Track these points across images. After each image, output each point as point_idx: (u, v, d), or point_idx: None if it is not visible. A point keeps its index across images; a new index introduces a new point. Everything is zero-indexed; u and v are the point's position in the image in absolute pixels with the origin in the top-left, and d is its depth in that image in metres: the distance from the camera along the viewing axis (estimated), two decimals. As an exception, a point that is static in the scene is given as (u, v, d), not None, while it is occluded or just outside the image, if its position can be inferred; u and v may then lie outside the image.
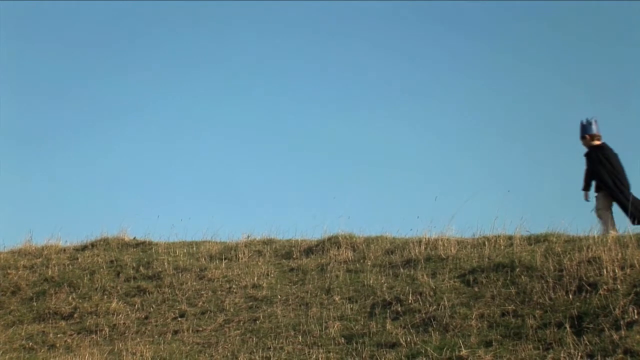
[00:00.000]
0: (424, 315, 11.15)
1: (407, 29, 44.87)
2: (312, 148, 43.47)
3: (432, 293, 11.68)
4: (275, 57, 44.80)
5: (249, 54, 45.09)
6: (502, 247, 12.99)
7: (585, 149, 14.09)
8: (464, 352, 9.81)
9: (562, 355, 9.25)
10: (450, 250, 13.12)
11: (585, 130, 13.93)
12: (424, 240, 13.75)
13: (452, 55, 44.53)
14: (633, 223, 13.15)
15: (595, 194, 13.83)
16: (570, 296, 10.59)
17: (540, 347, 9.67)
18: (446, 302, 11.24)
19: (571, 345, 9.43)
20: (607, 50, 42.28)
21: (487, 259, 12.39)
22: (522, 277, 11.42)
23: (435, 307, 11.25)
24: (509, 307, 10.72)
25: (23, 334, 13.40)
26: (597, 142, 13.93)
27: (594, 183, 13.85)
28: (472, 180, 36.22)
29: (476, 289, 11.53)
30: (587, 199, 13.84)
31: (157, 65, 45.02)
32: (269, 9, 44.34)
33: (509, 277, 11.54)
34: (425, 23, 45.06)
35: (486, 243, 13.20)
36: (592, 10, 42.26)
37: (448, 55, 44.60)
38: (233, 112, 45.01)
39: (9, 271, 16.19)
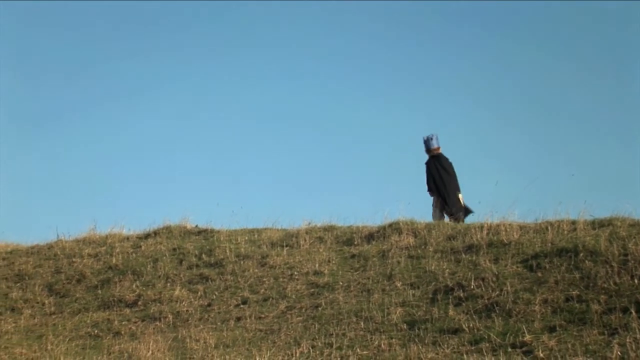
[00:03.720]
0: (486, 300, 11.07)
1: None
2: (373, 136, 43.49)
3: (494, 278, 11.59)
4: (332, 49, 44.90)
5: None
6: (566, 231, 12.84)
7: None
8: (527, 337, 9.74)
9: (627, 340, 9.13)
10: (513, 235, 13.00)
11: (428, 145, 16.83)
12: (485, 225, 13.63)
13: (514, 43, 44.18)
14: (452, 220, 15.66)
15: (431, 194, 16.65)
16: (636, 281, 10.45)
17: (606, 332, 9.56)
18: (509, 288, 11.15)
19: (637, 330, 9.31)
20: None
21: (550, 244, 12.26)
22: (586, 261, 11.29)
23: (498, 292, 11.16)
24: (573, 292, 10.61)
25: (88, 321, 13.56)
26: (435, 153, 16.83)
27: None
28: (534, 164, 35.91)
29: (539, 274, 11.42)
30: (431, 195, 16.63)
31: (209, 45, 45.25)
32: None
33: (572, 262, 11.42)
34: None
35: (549, 228, 13.06)
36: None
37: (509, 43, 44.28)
38: (292, 101, 45.17)
39: (74, 259, 16.40)
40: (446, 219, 16.33)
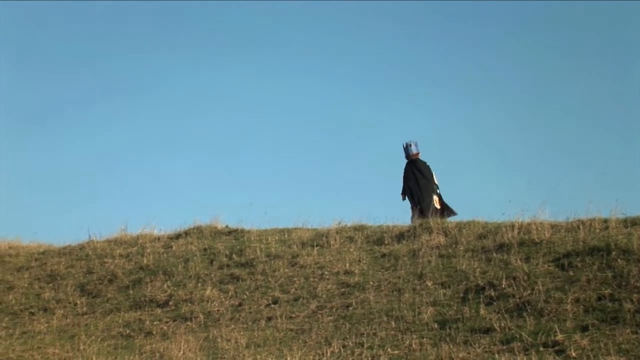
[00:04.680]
0: (518, 300, 11.03)
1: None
2: (401, 135, 43.42)
3: (526, 277, 11.54)
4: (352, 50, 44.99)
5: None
6: (597, 230, 12.76)
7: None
8: (559, 336, 9.69)
9: (661, 339, 9.08)
10: (544, 234, 12.94)
11: (408, 152, 17.46)
12: (516, 224, 13.57)
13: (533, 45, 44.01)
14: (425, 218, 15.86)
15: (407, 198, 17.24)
16: (669, 279, 10.38)
17: (638, 331, 9.51)
18: (540, 287, 11.10)
19: (670, 329, 9.25)
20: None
21: (582, 243, 12.20)
22: (619, 260, 11.22)
23: (529, 291, 11.11)
24: (605, 291, 10.55)
25: (120, 321, 13.62)
26: (414, 158, 17.45)
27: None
28: (565, 163, 35.76)
29: (571, 273, 11.36)
30: (403, 199, 17.27)
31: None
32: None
33: (604, 261, 11.35)
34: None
35: (581, 226, 12.98)
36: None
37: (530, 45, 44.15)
38: (320, 102, 45.26)
39: (105, 260, 16.49)
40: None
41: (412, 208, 17.05)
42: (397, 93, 45.96)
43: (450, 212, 16.86)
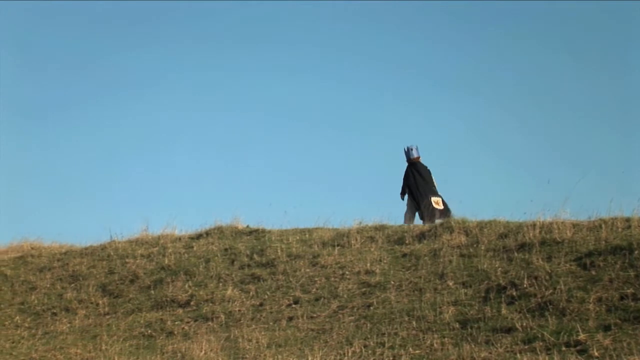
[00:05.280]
0: (539, 299, 10.99)
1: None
2: (424, 134, 43.47)
3: (547, 277, 11.50)
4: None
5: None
6: (620, 229, 12.69)
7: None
8: (581, 336, 9.65)
9: (684, 339, 9.03)
10: (566, 233, 12.88)
11: (409, 155, 18.18)
12: (538, 223, 13.52)
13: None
14: (423, 221, 16.84)
15: (406, 198, 17.88)
16: (692, 278, 10.32)
17: (662, 331, 9.46)
18: (562, 286, 11.05)
19: (694, 328, 9.20)
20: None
21: (604, 242, 12.14)
22: (641, 259, 11.18)
23: (551, 291, 11.07)
24: (628, 291, 10.50)
25: (142, 321, 13.67)
26: (414, 161, 18.16)
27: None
28: (585, 162, 35.64)
29: (593, 273, 11.31)
30: (402, 199, 17.95)
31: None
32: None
33: (627, 260, 11.29)
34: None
35: (603, 225, 12.92)
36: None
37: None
38: (340, 103, 45.31)
39: (127, 260, 16.54)
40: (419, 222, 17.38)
41: (408, 207, 17.76)
42: (412, 93, 46.02)
43: (448, 214, 17.16)
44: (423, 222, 16.84)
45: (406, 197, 17.97)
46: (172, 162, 45.38)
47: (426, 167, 18.18)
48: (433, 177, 18.08)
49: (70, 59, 46.26)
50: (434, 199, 17.53)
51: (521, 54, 44.85)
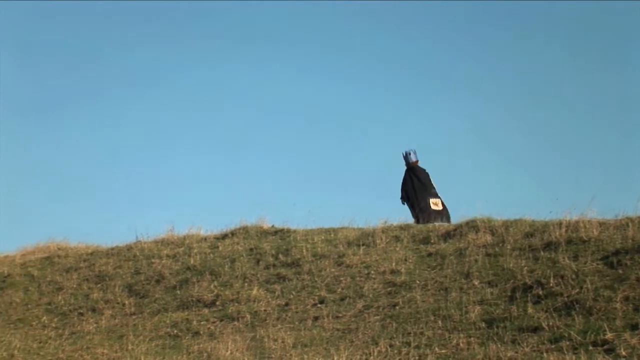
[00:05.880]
0: (566, 298, 10.94)
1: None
2: (449, 134, 43.48)
3: (574, 276, 11.44)
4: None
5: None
6: (647, 227, 12.63)
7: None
8: (609, 335, 9.59)
9: None
10: (592, 232, 12.81)
11: (407, 160, 18.51)
12: (564, 222, 13.45)
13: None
14: (417, 222, 17.02)
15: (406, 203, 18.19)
16: None
17: (690, 330, 9.39)
18: (589, 285, 11.00)
19: None
20: None
21: (631, 240, 12.07)
22: (669, 258, 11.11)
23: (577, 290, 11.02)
24: (656, 289, 10.44)
25: (168, 321, 13.71)
26: (413, 165, 18.47)
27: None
28: (612, 161, 35.48)
29: (620, 271, 11.25)
30: (403, 203, 18.21)
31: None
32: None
33: (654, 259, 11.24)
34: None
35: (630, 224, 12.84)
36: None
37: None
38: (359, 105, 45.33)
39: (153, 260, 16.60)
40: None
41: (411, 210, 18.07)
42: (422, 93, 46.11)
43: (447, 219, 17.58)
44: (417, 223, 16.89)
45: (406, 201, 18.25)
46: (197, 163, 45.53)
47: (424, 170, 18.50)
48: (432, 180, 18.37)
49: (80, 57, 46.52)
50: (432, 200, 17.94)
51: (525, 53, 44.78)
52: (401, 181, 18.42)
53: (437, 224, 16.62)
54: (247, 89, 47.17)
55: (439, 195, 18.12)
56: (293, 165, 43.69)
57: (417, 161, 18.55)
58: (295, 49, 48.23)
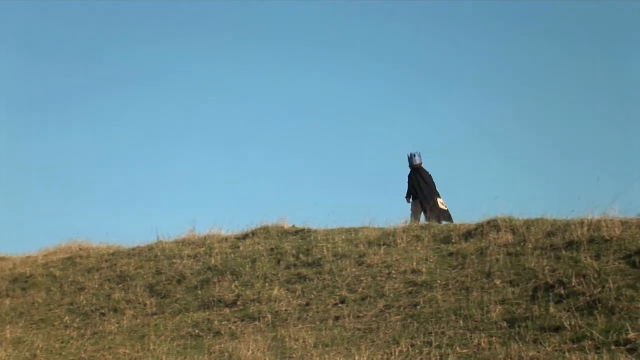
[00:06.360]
0: (588, 298, 10.89)
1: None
2: (471, 134, 43.45)
3: (596, 275, 11.39)
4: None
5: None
6: (670, 226, 12.56)
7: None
8: (631, 335, 9.55)
9: None
10: (615, 231, 12.74)
11: (412, 162, 19.07)
12: (586, 221, 13.37)
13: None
14: (428, 219, 17.73)
15: (412, 200, 18.76)
16: None
17: None
18: (612, 285, 10.94)
19: None
20: None
21: (653, 239, 12.02)
22: (692, 257, 11.04)
23: (600, 289, 10.97)
24: (679, 289, 10.38)
25: (189, 321, 13.74)
26: (417, 167, 19.05)
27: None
28: (635, 159, 35.31)
29: (643, 271, 11.20)
30: (408, 202, 18.80)
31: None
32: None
33: (677, 258, 11.17)
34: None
35: (652, 223, 12.78)
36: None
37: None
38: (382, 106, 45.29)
39: (174, 260, 16.65)
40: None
41: (413, 209, 18.61)
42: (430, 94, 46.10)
43: (449, 218, 18.16)
44: (428, 221, 17.54)
45: (411, 199, 18.79)
46: (218, 163, 45.64)
47: (428, 173, 19.08)
48: (435, 182, 18.93)
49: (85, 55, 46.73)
50: (439, 200, 18.56)
51: (539, 53, 44.69)
52: (407, 181, 19.00)
53: (444, 222, 17.13)
54: (267, 88, 47.29)
55: (440, 196, 18.69)
56: (314, 166, 43.77)
57: (421, 163, 19.14)
58: (311, 48, 48.31)
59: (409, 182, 19.02)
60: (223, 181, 42.86)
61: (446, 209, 18.37)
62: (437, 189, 18.83)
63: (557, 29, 45.65)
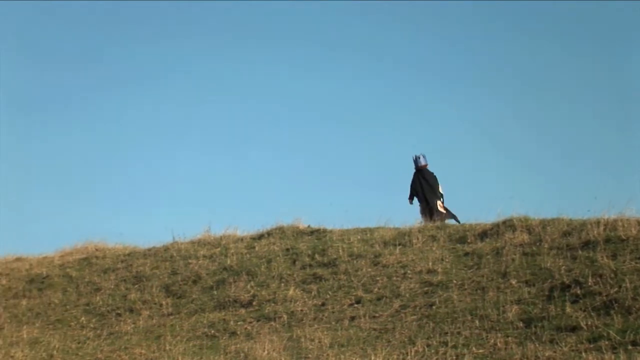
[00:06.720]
0: (604, 297, 10.86)
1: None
2: (472, 134, 43.49)
3: (612, 275, 11.35)
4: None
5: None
6: (686, 226, 12.51)
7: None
8: (648, 335, 9.52)
9: None
10: (631, 230, 12.70)
11: (417, 163, 19.17)
12: (602, 221, 13.33)
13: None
14: (431, 220, 17.71)
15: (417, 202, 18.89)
16: None
17: None
18: (628, 284, 10.91)
19: None
20: None
21: (670, 239, 11.97)
22: None
23: (616, 289, 10.93)
24: (696, 288, 10.34)
25: (205, 321, 13.76)
26: (421, 168, 19.15)
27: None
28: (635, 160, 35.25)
29: (660, 270, 11.16)
30: (410, 203, 18.95)
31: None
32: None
33: (694, 257, 11.13)
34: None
35: (669, 223, 12.73)
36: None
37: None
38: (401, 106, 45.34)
39: (189, 261, 16.67)
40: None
41: (420, 211, 18.74)
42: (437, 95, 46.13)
43: (452, 216, 18.34)
44: (433, 221, 17.54)
45: (415, 200, 18.93)
46: (233, 163, 45.70)
47: (433, 174, 19.24)
48: (439, 183, 19.08)
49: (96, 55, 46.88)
50: (438, 202, 18.69)
51: (530, 53, 44.68)
52: (410, 182, 19.12)
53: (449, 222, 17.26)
54: (267, 88, 47.43)
55: (443, 198, 18.86)
56: (329, 166, 43.72)
57: (425, 164, 19.28)
58: (311, 48, 48.40)
59: (411, 184, 19.17)
60: (235, 182, 42.91)
61: (444, 212, 18.46)
62: (442, 190, 19.00)
63: (557, 29, 45.61)
